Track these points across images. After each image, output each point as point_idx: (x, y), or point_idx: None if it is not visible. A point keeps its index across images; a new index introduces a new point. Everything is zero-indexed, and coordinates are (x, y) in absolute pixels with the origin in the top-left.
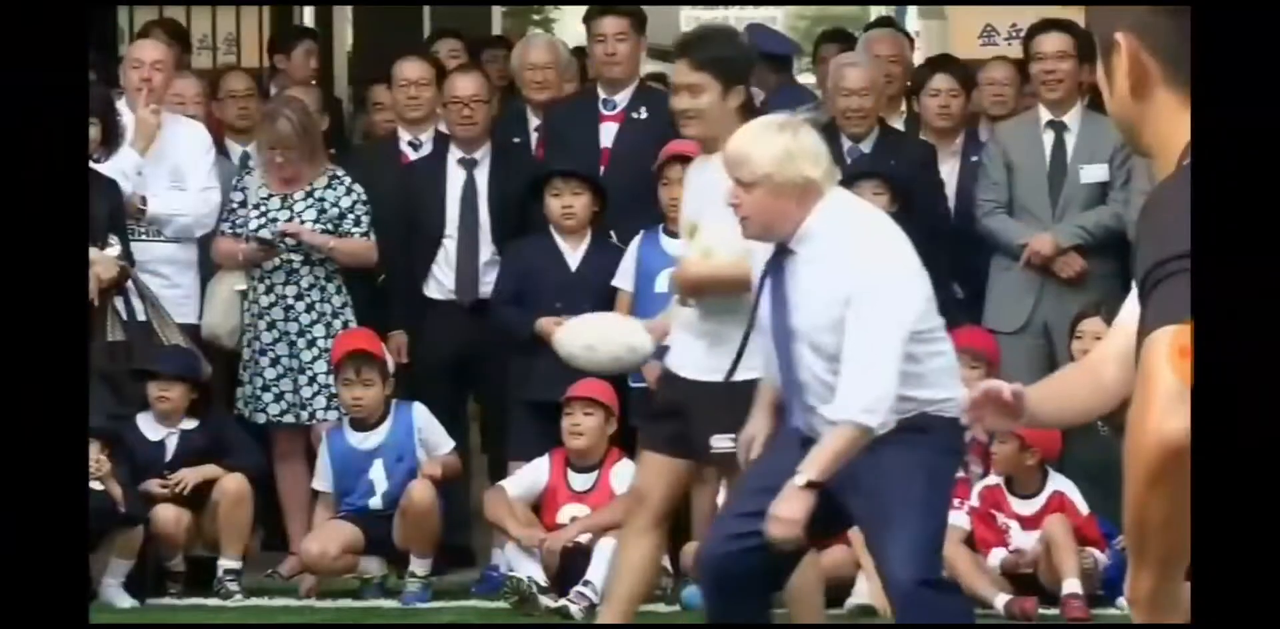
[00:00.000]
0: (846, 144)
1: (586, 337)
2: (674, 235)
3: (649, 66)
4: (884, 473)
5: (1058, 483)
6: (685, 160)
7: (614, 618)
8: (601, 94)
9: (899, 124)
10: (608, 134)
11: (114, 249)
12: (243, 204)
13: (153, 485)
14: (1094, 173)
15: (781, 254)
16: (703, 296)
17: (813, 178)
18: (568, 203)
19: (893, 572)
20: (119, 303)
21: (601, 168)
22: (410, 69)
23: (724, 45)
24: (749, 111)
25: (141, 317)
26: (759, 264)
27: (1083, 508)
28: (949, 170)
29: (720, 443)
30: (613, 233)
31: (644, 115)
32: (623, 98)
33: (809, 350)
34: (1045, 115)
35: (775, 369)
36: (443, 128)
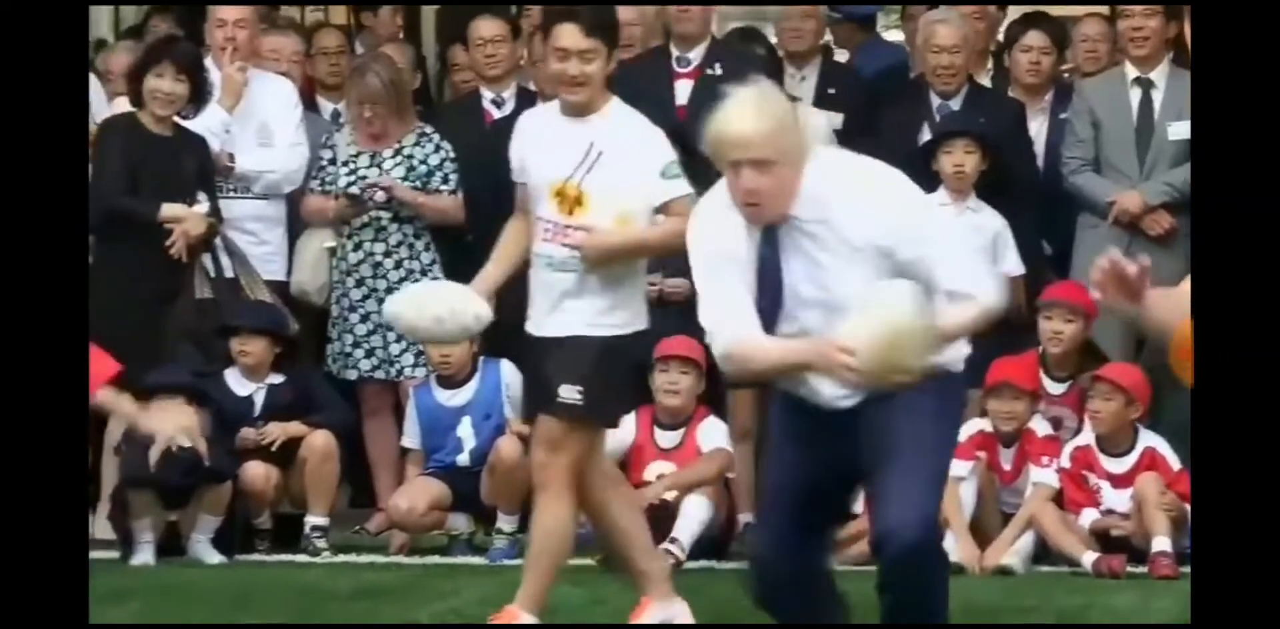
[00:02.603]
0: (936, 101)
1: (434, 308)
2: None
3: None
4: (893, 414)
5: (1148, 439)
6: None
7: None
8: (674, 51)
9: (985, 81)
10: (683, 91)
11: (203, 206)
12: (332, 161)
13: (247, 432)
14: (1181, 129)
15: (773, 228)
16: (613, 264)
17: (809, 142)
18: None
19: (888, 515)
20: (207, 260)
21: None
22: (486, 27)
23: (607, 12)
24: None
25: (229, 273)
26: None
27: (1174, 463)
28: (1037, 127)
29: (569, 393)
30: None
31: (719, 71)
32: (696, 55)
33: (819, 314)
34: (1132, 72)
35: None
36: (526, 85)
